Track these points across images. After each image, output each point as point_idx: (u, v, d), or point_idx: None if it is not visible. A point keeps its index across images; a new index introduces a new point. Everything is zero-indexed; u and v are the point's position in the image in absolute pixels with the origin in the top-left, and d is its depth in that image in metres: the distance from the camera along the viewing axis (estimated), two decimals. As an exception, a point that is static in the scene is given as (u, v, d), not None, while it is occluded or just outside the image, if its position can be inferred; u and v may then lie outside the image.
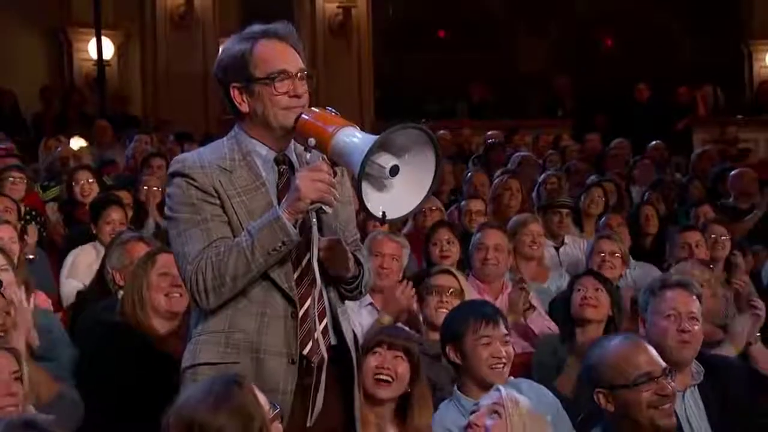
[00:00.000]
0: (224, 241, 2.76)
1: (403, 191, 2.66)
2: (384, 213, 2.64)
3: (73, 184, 6.92)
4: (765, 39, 14.34)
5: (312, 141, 2.70)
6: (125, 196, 6.60)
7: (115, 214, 5.85)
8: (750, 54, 14.57)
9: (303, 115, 2.77)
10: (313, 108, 2.80)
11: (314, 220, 2.77)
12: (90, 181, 6.91)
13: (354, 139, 2.63)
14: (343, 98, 12.74)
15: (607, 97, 13.60)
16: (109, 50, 12.81)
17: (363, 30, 13.60)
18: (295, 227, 2.71)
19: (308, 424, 2.83)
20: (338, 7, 13.40)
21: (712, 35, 15.13)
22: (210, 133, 11.16)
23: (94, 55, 12.56)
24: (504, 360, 3.66)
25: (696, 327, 3.66)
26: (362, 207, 2.65)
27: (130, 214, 6.47)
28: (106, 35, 12.46)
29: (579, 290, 4.44)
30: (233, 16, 13.49)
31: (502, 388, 3.26)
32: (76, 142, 9.96)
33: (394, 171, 2.62)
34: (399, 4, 15.57)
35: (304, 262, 2.82)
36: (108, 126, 10.63)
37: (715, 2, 15.21)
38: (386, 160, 2.62)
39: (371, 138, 2.60)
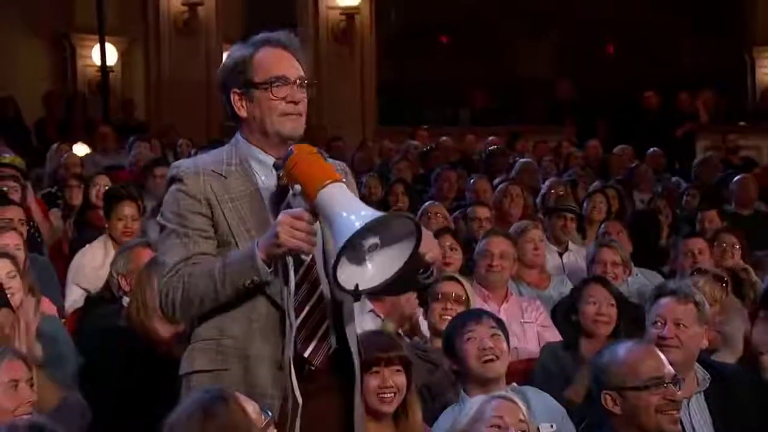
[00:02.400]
0: (202, 259, 2.79)
1: (375, 267, 2.64)
2: (357, 285, 2.63)
3: (92, 188, 6.93)
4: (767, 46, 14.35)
5: (298, 188, 2.70)
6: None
7: (128, 209, 5.87)
8: (753, 61, 14.57)
9: (294, 153, 2.74)
10: (304, 147, 2.77)
11: (291, 264, 2.74)
12: (107, 186, 6.94)
13: (342, 212, 2.58)
14: (346, 104, 12.77)
15: (609, 103, 13.60)
16: (112, 56, 12.82)
17: (366, 36, 13.60)
18: (269, 267, 2.70)
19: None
20: (341, 13, 13.41)
21: (715, 42, 15.14)
22: (213, 139, 11.17)
23: (97, 61, 12.56)
24: (493, 352, 3.67)
25: (684, 333, 3.67)
26: (334, 278, 2.63)
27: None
28: (109, 41, 12.46)
29: (593, 303, 4.42)
30: (237, 23, 13.50)
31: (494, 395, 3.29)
32: (80, 149, 9.97)
33: (373, 248, 2.62)
34: (401, 10, 15.59)
35: (308, 260, 2.82)
36: (111, 132, 10.63)
37: (717, 9, 15.22)
38: (367, 239, 2.59)
39: (359, 217, 2.55)
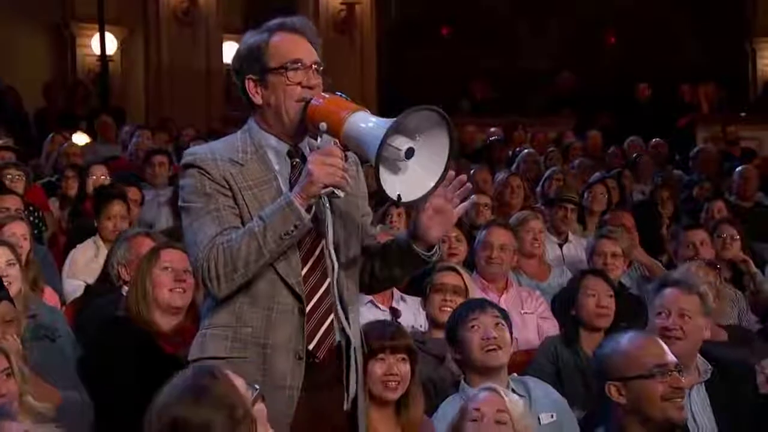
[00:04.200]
0: (236, 230, 2.75)
1: (418, 173, 2.66)
2: (399, 196, 2.63)
3: (87, 177, 6.94)
4: (768, 37, 14.35)
5: (324, 125, 2.69)
6: (133, 192, 6.60)
7: (116, 209, 5.85)
8: (753, 52, 14.54)
9: (313, 101, 2.76)
10: (323, 93, 2.79)
11: (327, 204, 2.77)
12: (103, 177, 6.94)
13: (369, 123, 2.62)
14: (346, 94, 12.69)
15: (609, 95, 13.59)
16: (112, 46, 12.80)
17: (366, 26, 13.59)
18: (308, 212, 2.70)
19: (345, 408, 2.84)
20: (342, 3, 13.40)
21: (716, 33, 15.11)
22: (212, 129, 11.16)
23: (97, 50, 12.53)
24: (496, 342, 3.67)
25: (689, 324, 3.67)
26: (380, 190, 2.64)
27: (137, 210, 6.47)
28: (109, 30, 12.43)
29: (593, 295, 4.40)
30: (236, 12, 13.47)
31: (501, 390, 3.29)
32: (79, 138, 9.95)
33: (410, 153, 2.62)
34: (402, 0, 15.56)
35: (317, 252, 2.82)
36: (111, 121, 10.62)
37: (718, 0, 15.19)
38: (401, 143, 2.61)
39: (385, 122, 2.59)
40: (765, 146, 12.29)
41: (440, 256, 2.89)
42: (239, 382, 2.37)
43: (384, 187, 2.61)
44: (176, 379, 2.36)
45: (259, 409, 2.39)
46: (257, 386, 2.42)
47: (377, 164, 2.56)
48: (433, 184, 2.68)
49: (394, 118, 2.59)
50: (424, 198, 2.70)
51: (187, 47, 12.77)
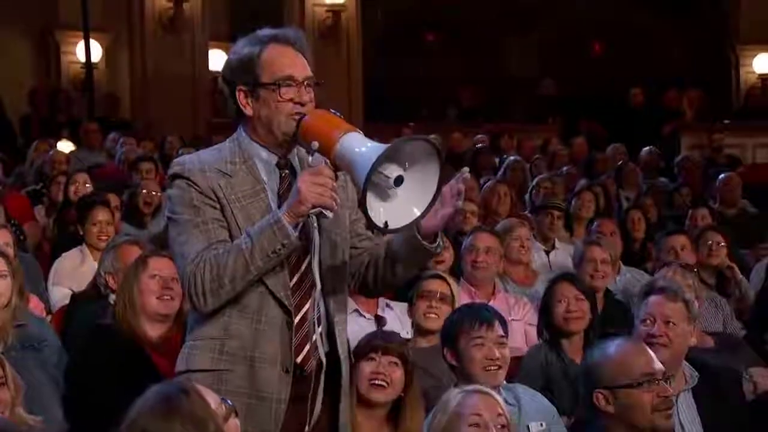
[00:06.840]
0: (223, 244, 2.74)
1: (405, 201, 2.66)
2: (386, 222, 2.64)
3: (70, 185, 6.92)
4: (751, 44, 14.38)
5: (315, 144, 2.69)
6: (113, 198, 6.59)
7: (101, 215, 5.84)
8: (737, 59, 14.60)
9: (306, 118, 2.76)
10: (316, 110, 2.79)
11: (315, 224, 2.76)
12: (87, 185, 6.92)
13: (360, 148, 2.61)
14: (332, 101, 12.64)
15: (595, 102, 13.64)
16: (97, 53, 12.74)
17: (352, 33, 13.60)
18: (296, 230, 2.69)
19: (307, 430, 2.82)
20: (328, 10, 13.40)
21: (699, 40, 15.18)
22: (198, 136, 11.14)
23: (82, 57, 12.47)
24: (498, 362, 3.63)
25: (674, 331, 3.68)
26: (365, 216, 2.64)
27: (117, 215, 6.47)
28: (94, 38, 12.36)
29: (561, 302, 4.38)
30: (222, 20, 13.45)
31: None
32: (64, 145, 9.92)
33: (398, 181, 2.62)
34: (388, 7, 15.57)
35: (303, 267, 2.81)
36: (96, 129, 10.58)
37: (702, 7, 15.27)
38: (391, 171, 2.61)
39: (377, 147, 2.59)
40: (749, 153, 12.35)
41: (442, 247, 2.88)
42: (211, 398, 2.35)
43: (370, 214, 2.61)
44: (148, 393, 2.33)
45: (232, 424, 2.38)
46: (230, 401, 2.42)
47: (365, 191, 2.56)
48: (419, 213, 2.68)
49: (386, 145, 2.59)
50: (409, 226, 2.70)
51: (172, 54, 12.73)
